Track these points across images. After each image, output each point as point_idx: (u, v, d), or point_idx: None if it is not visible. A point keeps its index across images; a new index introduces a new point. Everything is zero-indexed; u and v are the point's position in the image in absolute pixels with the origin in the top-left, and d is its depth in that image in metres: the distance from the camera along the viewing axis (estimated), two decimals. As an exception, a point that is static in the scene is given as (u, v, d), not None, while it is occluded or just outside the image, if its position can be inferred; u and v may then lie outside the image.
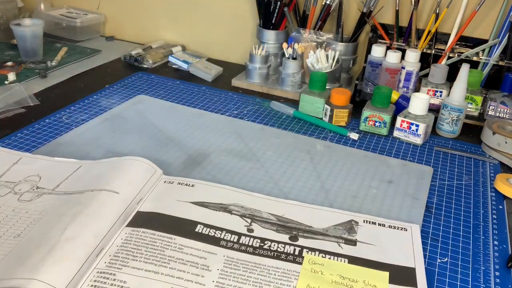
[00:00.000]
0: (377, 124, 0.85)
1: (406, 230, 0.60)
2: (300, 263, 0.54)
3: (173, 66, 1.11)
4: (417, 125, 0.82)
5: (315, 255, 0.55)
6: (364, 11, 0.98)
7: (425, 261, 0.56)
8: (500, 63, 0.93)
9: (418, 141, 0.82)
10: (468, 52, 0.94)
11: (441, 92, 0.92)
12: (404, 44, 0.98)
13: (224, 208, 0.61)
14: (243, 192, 0.65)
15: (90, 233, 0.53)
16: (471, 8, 0.94)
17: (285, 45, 0.98)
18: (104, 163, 0.67)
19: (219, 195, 0.64)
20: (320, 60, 0.97)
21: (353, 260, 0.55)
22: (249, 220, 0.60)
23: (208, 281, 0.50)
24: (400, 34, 1.00)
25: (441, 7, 0.96)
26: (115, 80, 1.01)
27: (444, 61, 0.96)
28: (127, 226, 0.57)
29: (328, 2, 1.02)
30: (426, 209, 0.66)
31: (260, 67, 1.02)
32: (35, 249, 0.50)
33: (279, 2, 1.03)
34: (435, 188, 0.71)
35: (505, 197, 0.70)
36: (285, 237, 0.57)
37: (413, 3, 0.97)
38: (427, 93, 0.91)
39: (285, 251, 0.55)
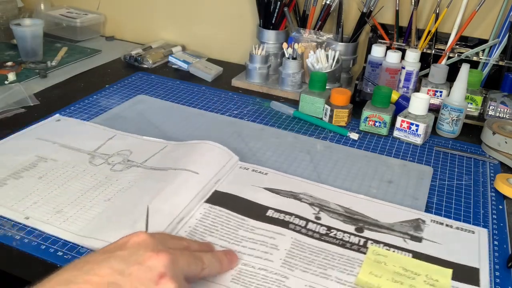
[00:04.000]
0: (377, 124, 0.85)
1: (474, 233, 0.61)
2: (364, 253, 0.56)
3: (173, 66, 1.11)
4: (417, 125, 0.82)
5: (379, 247, 0.57)
6: (364, 11, 0.98)
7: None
8: (500, 63, 0.93)
9: (418, 141, 0.82)
10: (468, 52, 0.94)
11: (441, 92, 0.92)
12: (404, 44, 0.98)
13: (294, 196, 0.65)
14: (312, 183, 0.68)
15: (172, 204, 0.59)
16: (471, 8, 0.94)
17: (285, 45, 0.98)
18: (187, 145, 0.73)
19: (290, 183, 0.68)
20: (320, 60, 0.97)
21: (417, 255, 0.56)
22: (317, 209, 0.63)
23: (276, 258, 0.54)
24: (400, 34, 1.00)
25: (441, 7, 0.96)
26: (115, 80, 1.01)
27: (444, 61, 0.96)
28: (205, 201, 0.62)
29: (328, 2, 1.02)
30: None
31: (260, 67, 1.02)
32: (122, 215, 0.57)
33: (279, 2, 1.03)
34: (435, 188, 0.71)
35: (505, 197, 0.70)
36: (351, 228, 0.60)
37: (413, 3, 0.97)
38: (427, 93, 0.91)
39: (350, 240, 0.58)
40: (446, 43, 0.97)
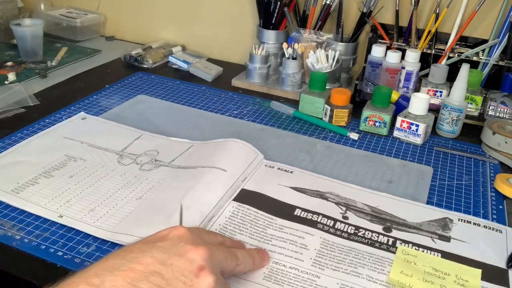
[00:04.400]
0: (377, 124, 0.85)
1: (501, 232, 0.61)
2: (394, 252, 0.56)
3: (173, 66, 1.11)
4: (417, 125, 0.82)
5: (408, 247, 0.57)
6: (364, 11, 0.98)
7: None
8: (500, 63, 0.93)
9: (418, 141, 0.82)
10: (468, 52, 0.94)
11: (441, 92, 0.92)
12: (404, 44, 0.98)
13: (320, 195, 0.65)
14: (338, 182, 0.69)
15: (203, 202, 0.60)
16: (471, 8, 0.94)
17: (285, 45, 0.98)
18: (212, 143, 0.74)
19: (316, 183, 0.68)
20: (320, 60, 0.97)
21: (446, 255, 0.56)
22: (344, 208, 0.63)
23: (306, 258, 0.54)
24: (400, 34, 1.00)
25: (441, 7, 0.96)
26: (115, 80, 1.01)
27: (444, 61, 0.96)
28: (233, 200, 0.62)
29: (328, 2, 1.02)
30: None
31: (260, 67, 1.02)
32: (155, 212, 0.59)
33: (279, 2, 1.03)
34: (435, 188, 0.71)
35: (505, 197, 0.70)
36: (379, 228, 0.60)
37: (413, 3, 0.97)
38: (427, 93, 0.91)
39: (379, 240, 0.58)
40: (446, 43, 0.97)
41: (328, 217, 0.61)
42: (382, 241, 0.58)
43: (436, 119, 0.87)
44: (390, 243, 0.57)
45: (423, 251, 0.56)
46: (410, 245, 0.57)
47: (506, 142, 0.79)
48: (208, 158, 0.69)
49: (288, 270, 0.52)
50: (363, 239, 0.58)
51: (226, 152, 0.70)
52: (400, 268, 0.53)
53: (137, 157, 0.72)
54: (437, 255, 0.56)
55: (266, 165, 0.71)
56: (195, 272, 0.41)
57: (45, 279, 0.50)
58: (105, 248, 0.54)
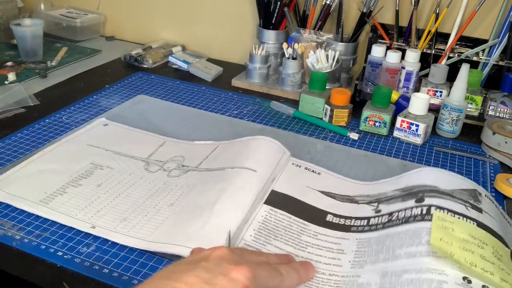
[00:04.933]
0: (377, 124, 0.85)
1: None
2: (430, 220, 0.53)
3: (173, 66, 1.11)
4: (417, 125, 0.82)
5: (443, 213, 0.55)
6: (364, 11, 0.98)
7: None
8: (500, 63, 0.93)
9: (418, 141, 0.82)
10: (468, 52, 0.94)
11: (441, 92, 0.92)
12: (404, 44, 0.98)
13: (350, 200, 0.64)
14: (366, 183, 0.68)
15: (236, 206, 0.58)
16: (471, 8, 0.94)
17: (285, 45, 0.98)
18: (238, 142, 0.73)
19: (345, 185, 0.67)
20: (320, 60, 0.97)
21: (480, 225, 0.54)
22: (375, 204, 0.62)
23: (344, 262, 0.53)
24: (400, 34, 1.00)
25: (441, 7, 0.96)
26: (115, 80, 1.01)
27: (444, 61, 0.96)
28: (264, 203, 0.61)
29: (328, 2, 1.02)
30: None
31: (260, 67, 1.02)
32: (189, 219, 0.57)
33: (279, 2, 1.03)
34: (435, 188, 0.71)
35: (505, 197, 0.70)
36: (411, 202, 0.58)
37: (413, 3, 0.97)
38: (427, 93, 0.91)
39: (413, 213, 0.56)
40: (446, 43, 0.97)
41: (361, 218, 0.60)
42: (415, 213, 0.55)
43: (436, 119, 0.87)
44: (424, 212, 0.55)
45: (459, 218, 0.54)
46: (446, 211, 0.55)
47: (506, 142, 0.79)
48: (235, 158, 0.68)
49: (329, 278, 0.51)
50: (397, 220, 0.56)
51: (253, 151, 0.69)
52: (440, 234, 0.51)
53: (163, 163, 0.71)
54: (473, 224, 0.53)
55: (293, 163, 0.70)
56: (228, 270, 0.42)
57: (45, 279, 0.50)
58: (105, 248, 0.54)
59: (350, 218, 0.60)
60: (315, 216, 0.61)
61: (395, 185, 0.64)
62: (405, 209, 0.57)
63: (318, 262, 0.53)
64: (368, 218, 0.60)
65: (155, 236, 0.55)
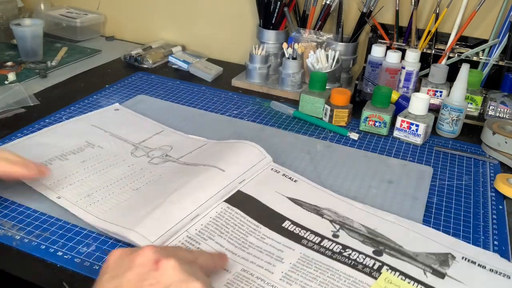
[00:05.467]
0: (377, 124, 0.85)
1: (510, 278, 0.54)
2: (375, 278, 0.51)
3: (173, 66, 1.11)
4: (417, 125, 0.82)
5: (394, 275, 0.52)
6: (364, 11, 0.98)
7: (425, 261, 0.56)
8: (500, 63, 0.93)
9: (418, 141, 0.82)
10: (468, 52, 0.94)
11: (441, 92, 0.92)
12: (404, 44, 0.98)
13: (317, 211, 0.62)
14: (342, 198, 0.65)
15: (190, 199, 0.59)
16: (471, 8, 0.94)
17: (285, 45, 0.98)
18: (224, 143, 0.74)
19: (317, 196, 0.65)
20: (320, 60, 0.97)
21: None
22: (337, 226, 0.60)
23: (277, 271, 0.52)
24: (400, 34, 1.00)
25: (441, 7, 0.96)
26: (115, 80, 1.01)
27: (444, 61, 0.96)
28: (224, 201, 0.62)
29: (328, 2, 1.02)
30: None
31: (260, 67, 1.02)
32: (143, 205, 0.59)
33: (279, 2, 1.03)
34: (435, 188, 0.71)
35: (505, 197, 0.70)
36: (369, 250, 0.56)
37: (413, 3, 0.97)
38: (427, 93, 0.91)
39: (364, 262, 0.54)
40: (446, 43, 0.97)
41: (316, 234, 0.58)
42: (367, 264, 0.53)
43: (436, 119, 0.87)
44: (375, 267, 0.53)
45: (408, 283, 0.51)
46: (398, 273, 0.52)
47: (506, 142, 0.79)
48: (213, 157, 0.69)
49: (254, 280, 0.50)
50: (347, 259, 0.54)
51: (232, 153, 0.70)
52: None
53: (150, 150, 0.73)
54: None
55: (272, 168, 0.70)
56: (153, 268, 0.41)
57: (45, 279, 0.50)
58: (105, 248, 0.54)
59: (306, 229, 0.58)
60: (272, 220, 0.59)
61: (365, 220, 0.61)
62: (359, 252, 0.55)
63: (252, 263, 0.53)
64: (323, 238, 0.57)
65: (107, 215, 0.58)
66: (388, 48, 0.96)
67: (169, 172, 0.67)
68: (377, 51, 0.95)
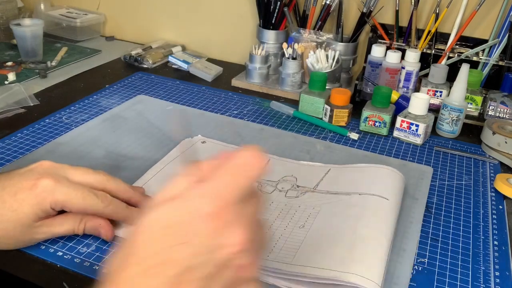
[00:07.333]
0: (377, 124, 0.85)
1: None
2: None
3: (173, 66, 1.11)
4: (417, 125, 0.82)
5: None
6: (364, 11, 0.98)
7: (424, 261, 0.56)
8: (500, 63, 0.93)
9: (418, 141, 0.82)
10: (468, 52, 0.94)
11: (441, 92, 0.92)
12: (404, 44, 0.98)
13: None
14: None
15: (380, 234, 0.55)
16: (471, 8, 0.94)
17: (285, 45, 0.98)
18: (355, 168, 0.70)
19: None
20: (320, 60, 0.97)
21: None
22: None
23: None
24: (400, 34, 1.00)
25: (441, 7, 0.96)
26: (115, 80, 1.01)
27: (444, 61, 0.96)
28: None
29: (328, 2, 1.02)
30: (426, 209, 0.66)
31: (260, 67, 1.02)
32: (331, 242, 0.54)
33: (279, 2, 1.03)
34: (435, 188, 0.71)
35: (505, 197, 0.70)
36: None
37: (413, 3, 0.97)
38: (427, 93, 0.91)
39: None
40: (446, 43, 0.97)
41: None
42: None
43: (436, 119, 0.87)
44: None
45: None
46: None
47: (506, 142, 0.79)
48: (361, 184, 0.65)
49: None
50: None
51: (379, 179, 0.65)
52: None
53: (276, 183, 0.67)
54: None
55: None
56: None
57: (45, 279, 0.50)
58: (105, 248, 0.54)
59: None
60: None
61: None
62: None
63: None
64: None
65: (298, 259, 0.52)
66: (388, 48, 0.96)
67: (322, 204, 0.62)
68: (377, 51, 0.95)
